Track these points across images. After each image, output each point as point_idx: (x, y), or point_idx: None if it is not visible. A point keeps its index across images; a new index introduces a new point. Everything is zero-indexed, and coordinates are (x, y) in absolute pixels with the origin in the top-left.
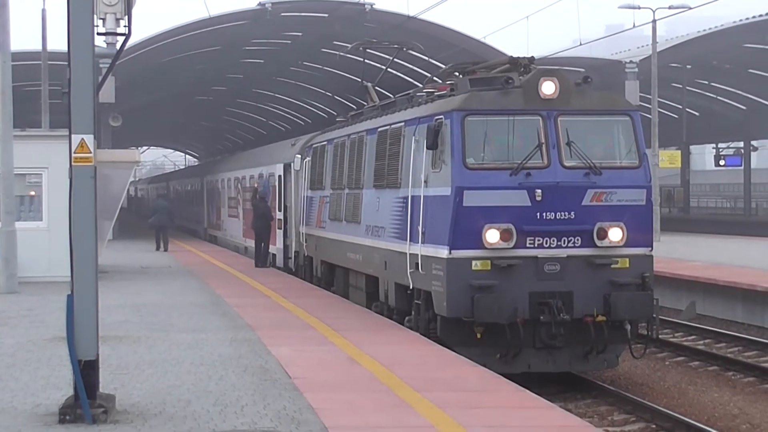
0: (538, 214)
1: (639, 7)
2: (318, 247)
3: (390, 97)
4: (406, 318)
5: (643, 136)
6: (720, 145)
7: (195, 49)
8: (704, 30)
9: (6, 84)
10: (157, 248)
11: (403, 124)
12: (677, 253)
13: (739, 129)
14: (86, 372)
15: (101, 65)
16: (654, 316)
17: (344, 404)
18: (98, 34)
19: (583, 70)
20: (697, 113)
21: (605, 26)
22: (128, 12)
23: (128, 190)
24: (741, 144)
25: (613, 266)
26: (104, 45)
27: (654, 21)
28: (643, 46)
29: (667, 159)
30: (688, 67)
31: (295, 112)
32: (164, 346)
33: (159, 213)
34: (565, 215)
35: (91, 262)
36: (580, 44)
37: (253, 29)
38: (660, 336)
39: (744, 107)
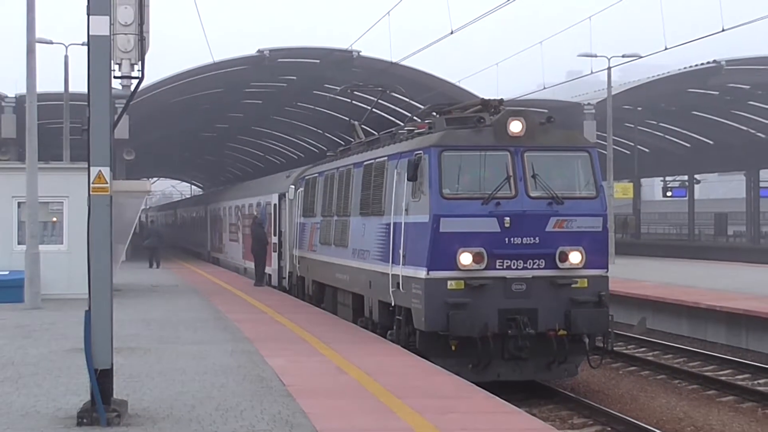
0: (507, 239)
1: (596, 56)
2: (309, 269)
3: (375, 134)
4: (389, 332)
5: (600, 169)
6: (667, 178)
7: (200, 90)
8: (653, 76)
9: (32, 122)
10: (150, 266)
11: (386, 158)
12: (630, 274)
13: (684, 164)
14: (102, 380)
15: (117, 105)
16: (609, 330)
17: (333, 409)
18: (115, 77)
19: (546, 110)
20: (647, 150)
21: (566, 72)
22: (142, 58)
23: (140, 216)
24: (686, 177)
25: (573, 286)
26: (120, 87)
27: (609, 68)
28: (599, 90)
29: (621, 190)
30: (639, 109)
31: (290, 147)
32: (172, 356)
33: (152, 237)
34: (530, 240)
35: (107, 281)
36: (544, 88)
37: (253, 73)
38: (614, 348)
39: (688, 145)
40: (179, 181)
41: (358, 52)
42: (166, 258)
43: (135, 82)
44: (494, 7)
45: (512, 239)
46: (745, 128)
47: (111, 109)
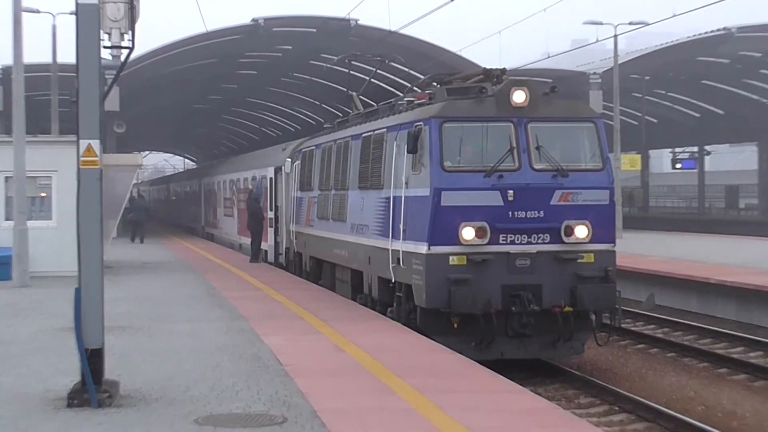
0: (510, 213)
1: (602, 23)
2: (307, 244)
3: (373, 105)
4: (389, 309)
5: (606, 141)
6: (676, 149)
7: (193, 61)
8: (661, 44)
9: (19, 94)
10: (132, 240)
11: (385, 130)
12: (637, 249)
13: (694, 135)
14: (92, 360)
15: (106, 76)
16: (617, 306)
17: (331, 389)
18: (104, 47)
19: (550, 80)
20: (655, 120)
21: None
22: (132, 27)
23: (131, 191)
24: (695, 149)
25: (579, 261)
26: (109, 57)
27: (615, 36)
28: (605, 59)
29: (629, 162)
30: (647, 78)
31: (286, 119)
32: (164, 335)
33: (137, 210)
34: (535, 214)
35: (97, 257)
36: (548, 57)
37: (247, 43)
38: (622, 325)
39: (698, 115)
40: (172, 155)
41: (356, 20)
42: (159, 234)
43: (125, 52)
44: None
45: (516, 213)
46: (756, 97)
47: (100, 80)
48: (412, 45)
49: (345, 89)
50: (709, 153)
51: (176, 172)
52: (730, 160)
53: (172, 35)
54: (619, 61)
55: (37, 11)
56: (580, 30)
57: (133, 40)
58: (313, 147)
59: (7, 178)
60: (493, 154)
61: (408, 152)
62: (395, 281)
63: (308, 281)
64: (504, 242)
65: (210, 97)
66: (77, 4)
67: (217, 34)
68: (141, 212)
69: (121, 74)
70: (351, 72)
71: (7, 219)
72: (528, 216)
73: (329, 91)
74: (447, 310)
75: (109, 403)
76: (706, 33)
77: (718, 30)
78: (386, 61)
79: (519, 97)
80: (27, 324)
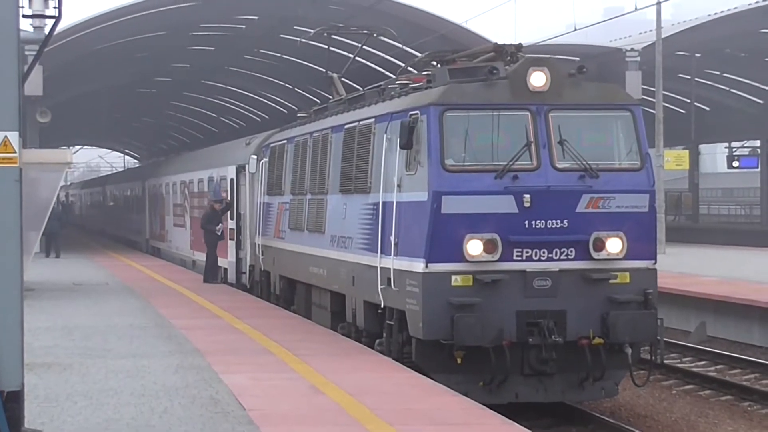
0: (527, 222)
1: None
2: (276, 261)
3: (359, 89)
4: (377, 341)
5: (645, 133)
6: (733, 144)
7: (135, 34)
8: (715, 13)
9: None
10: (48, 255)
11: (373, 120)
12: (685, 267)
13: (756, 126)
14: (9, 405)
15: (27, 53)
16: (658, 338)
17: None
18: (23, 16)
19: (577, 58)
20: (707, 108)
21: (603, 9)
22: None
23: (58, 195)
24: (757, 143)
25: (611, 281)
26: (31, 29)
27: (658, 3)
28: (646, 32)
29: (674, 160)
30: (697, 55)
31: (250, 106)
32: (100, 374)
33: (50, 219)
34: (557, 224)
35: (16, 278)
36: (575, 29)
37: (202, 12)
38: (665, 361)
39: (761, 101)
40: (109, 151)
41: None
42: (93, 249)
43: (51, 22)
44: None
45: (534, 222)
46: None
47: (19, 57)
48: (406, 15)
49: (324, 70)
50: None
51: (114, 172)
52: None
53: (109, 2)
54: (664, 35)
55: None
56: None
57: (59, 8)
58: (284, 141)
59: None
60: (506, 149)
61: (401, 148)
62: (385, 306)
63: (278, 306)
64: (519, 258)
65: (156, 79)
66: None
67: (166, 1)
68: (53, 221)
69: (45, 50)
70: (331, 48)
71: None
72: (549, 226)
73: (304, 72)
74: (449, 342)
75: None
76: None
77: None
78: (374, 35)
79: (538, 79)
80: None
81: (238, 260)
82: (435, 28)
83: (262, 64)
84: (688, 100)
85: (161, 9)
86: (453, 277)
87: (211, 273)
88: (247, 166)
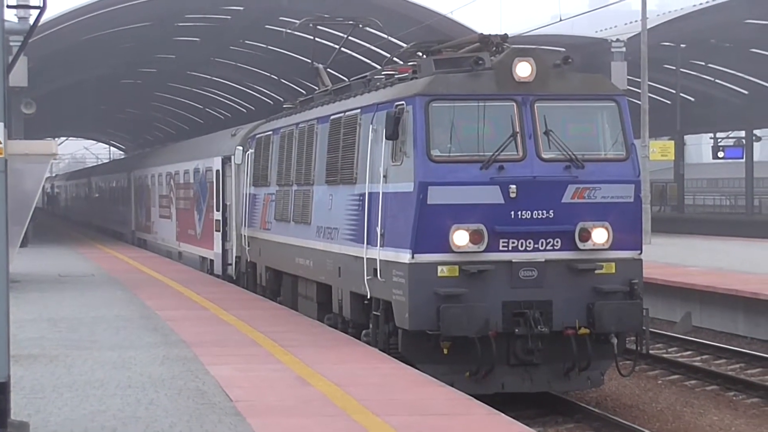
0: (513, 213)
1: None
2: (262, 252)
3: (344, 80)
4: (363, 332)
5: (630, 124)
6: (719, 134)
7: (120, 25)
8: (701, 4)
9: None
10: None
11: (359, 111)
12: (670, 257)
13: (741, 116)
14: None
15: (11, 43)
16: (644, 328)
17: (293, 430)
18: (8, 6)
19: (563, 49)
20: (692, 98)
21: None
22: None
23: (44, 187)
24: (742, 133)
25: (597, 272)
26: (15, 19)
27: None
28: (631, 22)
29: (659, 150)
30: (683, 46)
31: (236, 97)
32: (86, 365)
33: None
34: (542, 214)
35: (1, 270)
36: (560, 20)
37: (187, 2)
38: (651, 351)
39: (746, 92)
40: (94, 142)
41: None
42: (79, 240)
43: (35, 12)
44: None
45: (519, 213)
46: None
47: (4, 48)
48: (391, 5)
49: (309, 61)
50: (759, 139)
51: (100, 163)
52: None
53: None
54: (649, 25)
55: None
56: None
57: None
58: (270, 132)
59: None
60: (492, 140)
61: (387, 138)
62: (371, 297)
63: (264, 298)
64: (505, 249)
65: (141, 70)
66: None
67: None
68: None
69: (29, 41)
70: (317, 39)
71: None
72: (534, 216)
73: (290, 63)
74: (435, 333)
75: None
76: None
77: None
78: (360, 26)
79: (524, 70)
80: None
81: (225, 252)
82: (420, 19)
83: (248, 55)
84: (674, 91)
85: (146, 0)
86: (439, 268)
87: None
88: (232, 157)
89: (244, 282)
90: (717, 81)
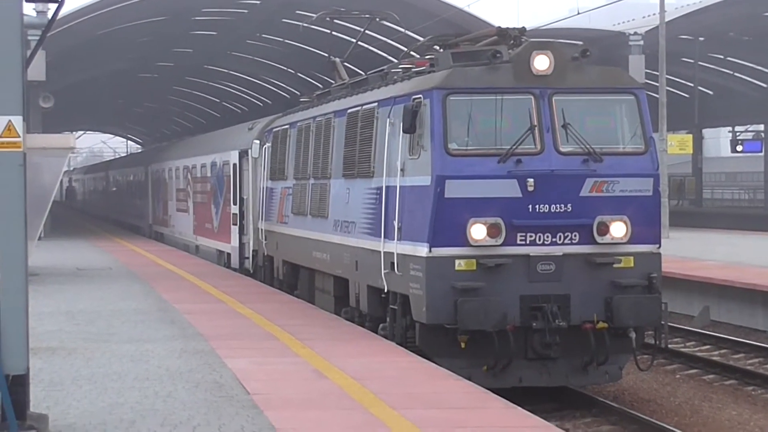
0: (530, 206)
1: None
2: (279, 246)
3: (361, 74)
4: (381, 325)
5: (649, 117)
6: (737, 128)
7: (137, 19)
8: None
9: None
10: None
11: (376, 104)
12: (689, 252)
13: (759, 110)
14: (15, 389)
15: (30, 37)
16: (662, 322)
17: (310, 423)
18: (27, 1)
19: (581, 42)
20: (711, 92)
21: None
22: None
23: (62, 181)
24: (761, 127)
25: (615, 266)
26: (34, 14)
27: None
28: (649, 15)
29: (677, 144)
30: (701, 39)
31: (253, 91)
32: (104, 358)
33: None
34: (560, 208)
35: (21, 263)
36: (578, 13)
37: None
38: (669, 345)
39: (765, 85)
40: (112, 136)
41: None
42: (96, 234)
43: (53, 7)
44: None
45: (537, 207)
46: None
47: (22, 41)
48: None
49: (326, 54)
50: None
51: (117, 157)
52: None
53: None
54: (667, 18)
55: None
56: None
57: None
58: (287, 126)
59: None
60: (510, 133)
61: (404, 132)
62: (388, 291)
63: (281, 291)
64: (523, 243)
65: (158, 64)
66: None
67: None
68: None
69: (48, 35)
70: (333, 33)
71: None
72: (552, 210)
73: (306, 57)
74: (453, 327)
75: None
76: None
77: None
78: (377, 20)
79: (541, 63)
80: None
81: (242, 245)
82: (438, 12)
83: (265, 48)
84: (692, 84)
85: None
86: (456, 262)
87: None
88: (249, 150)
89: (261, 275)
90: (735, 74)
